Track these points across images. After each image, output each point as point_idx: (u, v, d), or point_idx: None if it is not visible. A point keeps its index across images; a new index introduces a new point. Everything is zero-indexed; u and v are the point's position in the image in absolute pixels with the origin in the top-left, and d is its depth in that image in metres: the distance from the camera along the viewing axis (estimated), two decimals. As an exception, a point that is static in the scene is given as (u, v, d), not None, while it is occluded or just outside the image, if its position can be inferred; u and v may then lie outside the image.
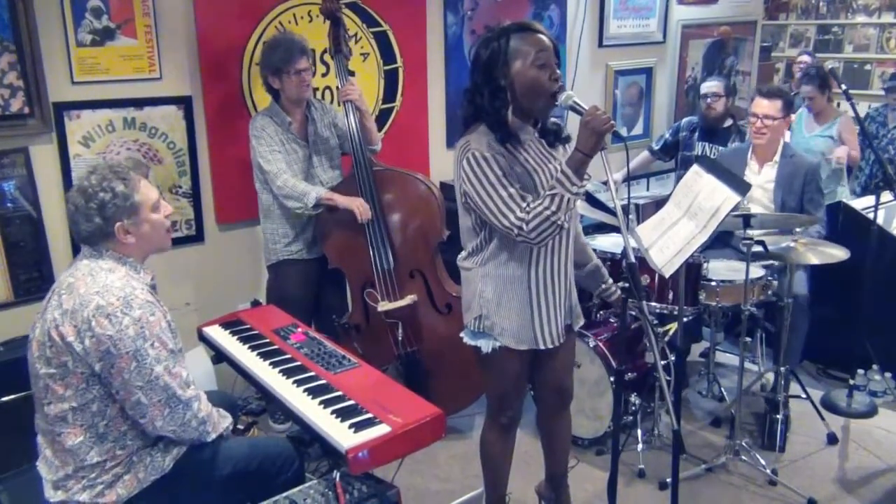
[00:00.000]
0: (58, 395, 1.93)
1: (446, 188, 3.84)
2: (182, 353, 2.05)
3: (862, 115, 4.93)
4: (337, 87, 3.34)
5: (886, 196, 3.50)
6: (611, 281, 2.60)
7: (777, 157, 3.64)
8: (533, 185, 2.18)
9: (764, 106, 3.57)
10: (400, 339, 3.21)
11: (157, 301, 2.00)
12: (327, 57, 3.55)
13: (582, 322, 2.48)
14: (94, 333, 1.86)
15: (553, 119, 2.32)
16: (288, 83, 3.11)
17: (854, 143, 4.51)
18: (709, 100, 4.26)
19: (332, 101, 3.64)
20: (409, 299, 3.20)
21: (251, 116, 3.41)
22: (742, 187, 2.59)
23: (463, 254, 2.35)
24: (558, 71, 2.14)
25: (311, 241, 3.30)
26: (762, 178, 3.66)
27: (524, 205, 2.09)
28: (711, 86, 4.28)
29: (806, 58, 5.79)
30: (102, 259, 1.99)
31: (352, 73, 3.49)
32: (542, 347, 2.32)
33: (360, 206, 3.11)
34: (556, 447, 2.65)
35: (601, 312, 3.48)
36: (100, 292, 1.89)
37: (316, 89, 3.62)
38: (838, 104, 4.95)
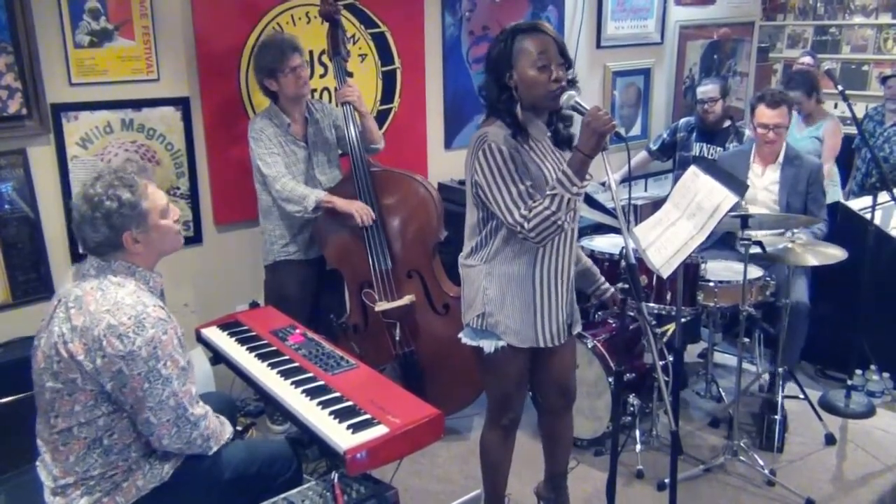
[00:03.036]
0: (65, 410, 1.90)
1: (444, 189, 3.85)
2: (192, 367, 2.01)
3: (860, 115, 4.94)
4: (335, 88, 3.33)
5: (883, 197, 3.50)
6: (602, 279, 2.62)
7: (780, 159, 3.63)
8: (544, 181, 2.19)
9: (772, 115, 3.51)
10: (397, 339, 3.21)
11: (169, 316, 1.95)
12: (325, 58, 3.55)
13: (580, 326, 2.48)
14: (105, 353, 1.83)
15: (572, 131, 2.32)
16: (285, 82, 3.10)
17: (833, 147, 4.45)
18: (706, 105, 4.23)
19: (330, 102, 3.64)
20: (406, 300, 3.20)
21: (249, 117, 3.41)
22: (740, 188, 2.59)
23: (465, 251, 2.35)
24: (560, 72, 2.14)
25: (309, 241, 3.30)
26: (766, 179, 3.65)
27: (529, 203, 2.10)
28: (707, 90, 4.24)
29: (808, 59, 5.78)
30: (111, 271, 1.95)
31: (350, 75, 3.49)
32: (542, 346, 2.32)
33: (359, 210, 3.10)
34: (558, 449, 2.65)
35: (599, 313, 3.48)
36: (110, 310, 1.85)
37: (314, 90, 3.62)
38: (835, 105, 4.95)
